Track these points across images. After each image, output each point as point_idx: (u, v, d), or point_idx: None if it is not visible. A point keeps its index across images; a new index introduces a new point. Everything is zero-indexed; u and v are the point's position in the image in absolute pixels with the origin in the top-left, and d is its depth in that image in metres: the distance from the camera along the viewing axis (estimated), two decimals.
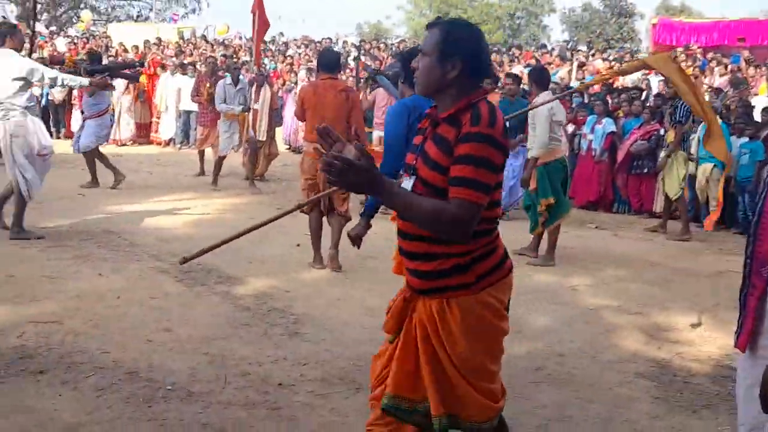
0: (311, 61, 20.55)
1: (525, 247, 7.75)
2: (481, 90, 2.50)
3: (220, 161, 11.72)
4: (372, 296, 6.04)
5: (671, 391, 4.39)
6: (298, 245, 7.68)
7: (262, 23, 13.78)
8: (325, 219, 6.98)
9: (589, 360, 4.86)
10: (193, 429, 3.56)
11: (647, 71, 16.53)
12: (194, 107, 14.43)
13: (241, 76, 11.72)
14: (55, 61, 11.20)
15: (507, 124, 2.49)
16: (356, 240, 4.03)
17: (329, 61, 6.91)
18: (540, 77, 7.65)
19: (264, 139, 12.55)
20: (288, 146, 17.41)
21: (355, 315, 5.55)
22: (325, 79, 6.76)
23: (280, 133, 17.15)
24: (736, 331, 2.35)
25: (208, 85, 12.93)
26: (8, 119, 7.04)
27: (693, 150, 9.93)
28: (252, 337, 4.92)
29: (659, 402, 4.23)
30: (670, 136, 9.31)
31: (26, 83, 7.12)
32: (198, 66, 17.09)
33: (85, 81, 8.38)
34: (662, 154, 9.53)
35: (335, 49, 22.65)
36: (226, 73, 12.00)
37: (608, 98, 12.20)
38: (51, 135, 17.23)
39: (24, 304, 5.28)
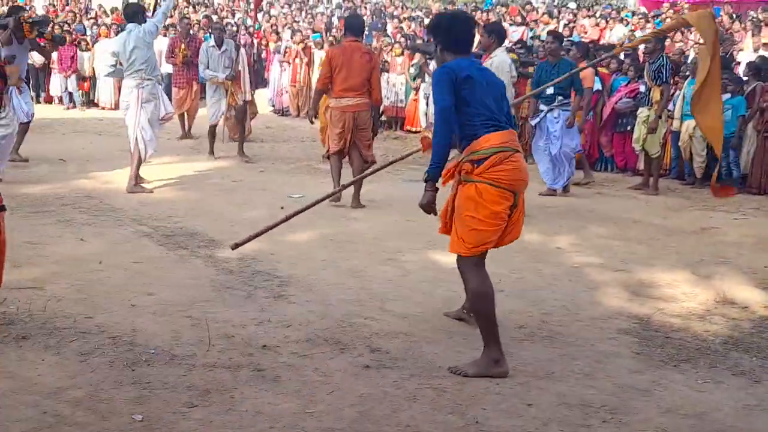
0: (296, 22, 20.30)
1: None
2: None
3: (212, 130, 11.09)
4: (356, 258, 6.04)
5: (653, 347, 4.43)
6: (282, 208, 7.64)
7: None
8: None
9: (572, 317, 4.88)
10: (178, 391, 3.55)
11: (633, 27, 16.49)
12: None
13: (227, 39, 11.40)
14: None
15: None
16: (430, 207, 4.03)
17: (355, 26, 7.96)
18: (501, 32, 7.70)
19: (249, 99, 12.45)
20: (272, 107, 17.26)
21: (341, 277, 5.54)
22: (351, 42, 7.72)
23: (264, 95, 17.02)
24: None
25: (183, 46, 12.78)
26: (143, 87, 7.96)
27: (677, 107, 9.93)
28: (236, 300, 4.91)
29: (641, 357, 4.27)
30: (656, 95, 9.27)
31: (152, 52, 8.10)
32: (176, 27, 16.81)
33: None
34: (645, 112, 9.49)
35: (321, 7, 22.43)
36: (206, 35, 11.61)
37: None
38: (30, 99, 17.11)
39: (6, 271, 5.21)
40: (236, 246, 4.75)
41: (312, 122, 8.70)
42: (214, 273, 5.49)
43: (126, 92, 8.10)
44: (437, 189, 4.02)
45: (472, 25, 4.42)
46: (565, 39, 10.91)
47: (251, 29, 17.15)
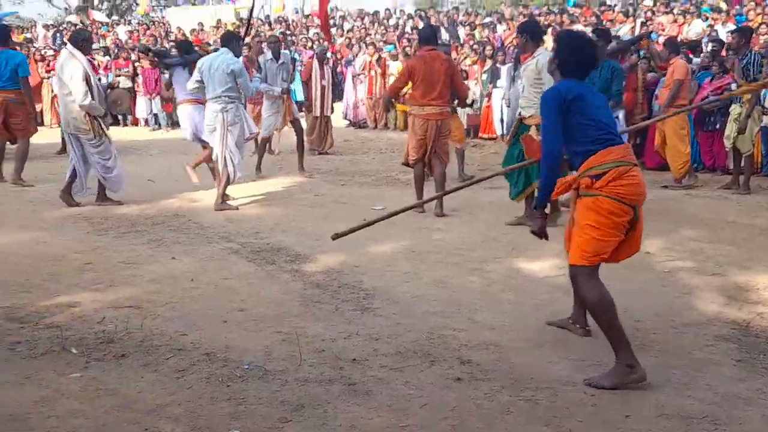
0: (369, 35, 20.46)
1: (521, 216, 7.48)
2: None
3: (263, 143, 11.22)
4: (441, 269, 6.02)
5: (754, 353, 4.27)
6: (365, 219, 7.68)
7: None
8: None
9: (667, 325, 4.75)
10: (272, 407, 3.61)
11: (712, 22, 15.98)
12: None
13: (283, 51, 11.48)
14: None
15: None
16: (542, 233, 4.14)
17: (430, 35, 8.24)
18: (534, 30, 7.30)
19: (330, 113, 12.64)
20: (348, 121, 17.43)
21: (426, 288, 5.54)
22: (429, 51, 7.90)
23: (337, 108, 17.20)
24: None
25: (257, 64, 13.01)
26: (227, 111, 8.15)
27: None
28: (323, 314, 4.96)
29: (742, 365, 4.12)
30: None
31: (234, 80, 8.16)
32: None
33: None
34: (737, 109, 9.18)
35: (394, 18, 22.54)
36: (266, 49, 11.60)
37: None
38: (117, 123, 17.80)
39: (103, 291, 5.43)
40: (337, 236, 4.82)
41: (389, 110, 8.97)
42: (302, 287, 5.56)
43: (211, 116, 8.29)
44: (546, 215, 4.13)
45: (590, 49, 4.31)
46: (612, 36, 10.19)
47: (326, 45, 17.38)
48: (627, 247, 4.10)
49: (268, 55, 11.10)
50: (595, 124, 3.99)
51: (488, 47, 15.10)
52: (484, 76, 14.40)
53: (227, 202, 8.48)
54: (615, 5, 20.92)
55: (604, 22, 17.41)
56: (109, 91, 8.34)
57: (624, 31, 16.38)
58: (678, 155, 9.64)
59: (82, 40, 8.37)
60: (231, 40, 8.50)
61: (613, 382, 3.82)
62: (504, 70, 13.76)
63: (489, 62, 14.43)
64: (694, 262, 6.13)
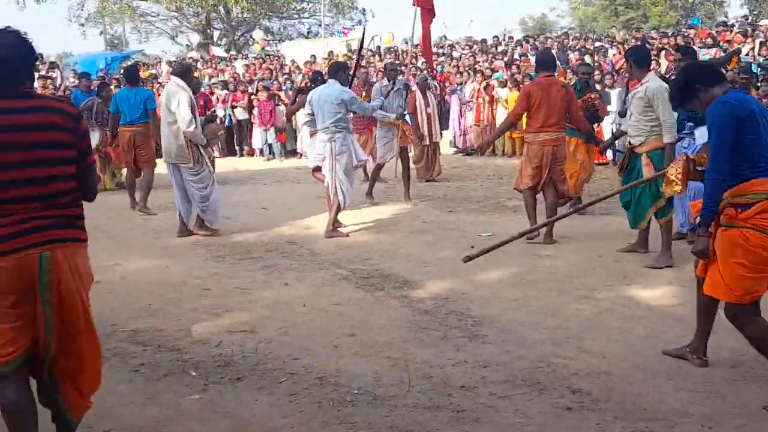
0: (477, 63, 20.53)
1: (633, 243, 7.26)
2: None
3: (377, 169, 11.36)
4: (550, 296, 5.96)
5: None
6: (472, 247, 7.70)
7: (426, 13, 13.11)
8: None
9: None
10: None
11: None
12: None
13: (398, 78, 11.62)
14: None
15: None
16: (704, 254, 4.02)
17: (547, 62, 8.29)
18: (639, 56, 6.91)
19: (439, 140, 12.76)
20: (456, 148, 17.49)
21: (535, 316, 5.49)
22: (547, 77, 7.91)
23: (445, 135, 17.28)
24: None
25: (363, 93, 13.27)
26: (334, 141, 8.33)
27: None
28: (432, 341, 5.00)
29: None
30: None
31: (345, 109, 8.39)
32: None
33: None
34: None
35: (502, 45, 22.51)
36: (382, 76, 11.76)
37: None
38: (235, 153, 18.44)
39: (220, 316, 5.66)
40: (468, 259, 4.90)
41: (481, 154, 8.74)
42: (410, 313, 5.62)
43: (320, 146, 8.49)
44: (711, 234, 3.93)
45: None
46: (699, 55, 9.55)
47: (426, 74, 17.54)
48: None
49: (384, 82, 11.28)
50: (756, 148, 3.80)
51: (596, 72, 14.85)
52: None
53: (338, 229, 8.65)
54: (733, 25, 20.21)
55: (721, 44, 16.85)
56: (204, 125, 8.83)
57: (744, 50, 15.75)
58: None
59: (185, 71, 8.83)
60: (338, 71, 8.69)
61: None
62: (614, 94, 13.49)
63: (598, 86, 14.18)
64: None
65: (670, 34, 20.60)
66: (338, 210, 8.59)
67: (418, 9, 12.90)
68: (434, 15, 13.52)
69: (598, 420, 3.74)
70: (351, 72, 9.98)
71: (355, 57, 12.71)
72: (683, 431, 3.60)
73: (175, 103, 8.33)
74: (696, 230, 4.18)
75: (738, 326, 4.00)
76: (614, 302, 5.73)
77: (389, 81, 11.17)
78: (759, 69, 13.45)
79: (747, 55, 15.22)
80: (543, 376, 4.32)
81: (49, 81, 16.10)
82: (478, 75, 17.29)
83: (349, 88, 8.94)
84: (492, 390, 4.15)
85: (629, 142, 7.04)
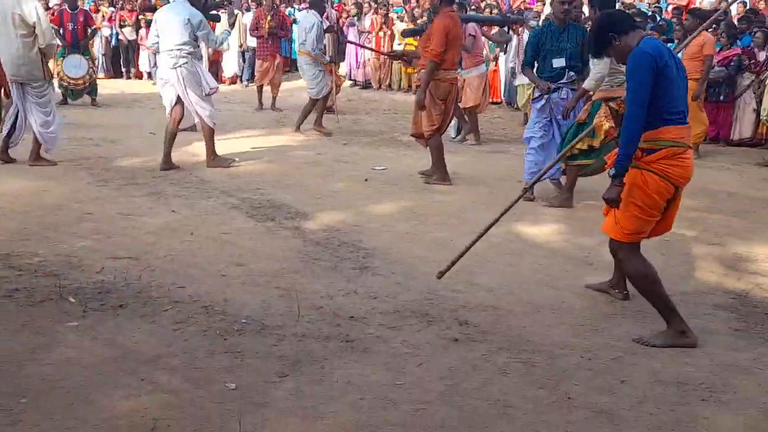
0: None
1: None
2: None
3: (312, 104, 10.85)
4: (440, 230, 6.00)
5: (752, 323, 4.27)
6: (366, 180, 7.67)
7: None
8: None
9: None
10: (269, 361, 3.61)
11: None
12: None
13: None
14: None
15: None
16: (615, 201, 3.99)
17: None
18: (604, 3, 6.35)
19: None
20: (353, 81, 17.30)
21: (425, 249, 5.52)
22: (451, 11, 7.35)
23: (343, 67, 17.05)
24: None
25: (268, 18, 12.89)
26: (179, 67, 7.70)
27: None
28: (322, 271, 4.96)
29: (739, 334, 4.12)
30: None
31: (193, 33, 7.72)
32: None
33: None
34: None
35: None
36: (289, 9, 11.40)
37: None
38: (121, 75, 17.65)
39: (102, 241, 5.42)
40: (441, 275, 4.64)
41: (424, 108, 7.60)
42: (301, 244, 5.54)
43: (163, 70, 7.97)
44: (624, 184, 3.93)
45: None
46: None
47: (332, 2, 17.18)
48: (660, 225, 4.08)
49: (311, 15, 10.65)
50: (668, 98, 3.82)
51: (495, 10, 14.92)
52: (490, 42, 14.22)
53: (221, 156, 8.34)
54: None
55: None
56: None
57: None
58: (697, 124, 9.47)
59: None
60: None
61: (663, 342, 3.90)
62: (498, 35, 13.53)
63: (496, 27, 14.23)
64: (694, 231, 6.11)
65: None
66: (212, 135, 8.17)
67: None
68: None
69: (483, 351, 3.80)
70: None
71: None
72: (563, 362, 3.70)
73: (30, 11, 7.35)
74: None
75: (619, 262, 4.16)
76: (503, 238, 5.82)
77: (321, 15, 10.74)
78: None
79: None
80: (431, 309, 4.35)
81: None
82: (381, 7, 17.04)
83: (232, 13, 8.48)
84: (381, 321, 4.15)
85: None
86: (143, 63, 17.53)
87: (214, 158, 8.20)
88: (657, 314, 4.09)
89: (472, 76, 10.03)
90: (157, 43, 7.89)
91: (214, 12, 11.29)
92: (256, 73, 13.72)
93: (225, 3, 12.44)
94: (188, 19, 7.65)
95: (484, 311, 4.36)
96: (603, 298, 4.62)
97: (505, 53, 13.85)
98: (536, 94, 7.02)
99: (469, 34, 9.70)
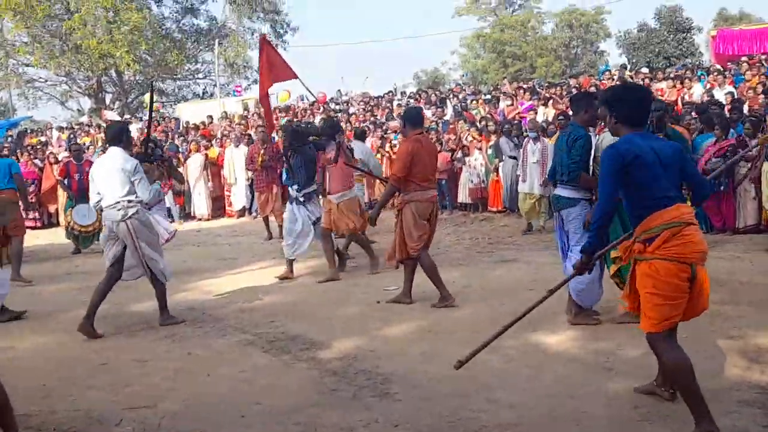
0: (374, 117, 20.80)
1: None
2: None
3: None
4: (457, 348, 5.92)
5: None
6: (378, 302, 7.70)
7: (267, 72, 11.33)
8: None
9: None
10: None
11: (710, 85, 16.19)
12: None
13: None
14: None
15: None
16: (581, 272, 4.33)
17: (417, 118, 7.75)
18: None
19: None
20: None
21: (443, 368, 5.46)
22: (421, 134, 7.66)
23: None
24: None
25: (262, 152, 13.39)
26: (129, 218, 7.01)
27: None
28: (341, 402, 4.92)
29: None
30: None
31: (131, 181, 7.02)
32: (253, 135, 17.36)
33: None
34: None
35: (396, 99, 22.92)
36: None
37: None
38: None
39: (119, 392, 5.40)
40: (460, 365, 4.60)
41: (375, 225, 8.16)
42: (318, 375, 5.52)
43: (110, 225, 7.16)
44: (590, 259, 4.25)
45: (648, 98, 4.46)
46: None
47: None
48: (693, 306, 4.10)
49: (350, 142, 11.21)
50: (650, 187, 4.01)
51: (491, 123, 15.32)
52: (489, 151, 14.54)
53: (172, 314, 7.49)
54: (613, 73, 21.26)
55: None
56: None
57: None
58: None
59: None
60: (120, 134, 7.27)
61: None
62: (505, 143, 13.85)
63: (493, 137, 14.60)
64: (713, 326, 6.05)
65: (557, 84, 21.46)
66: (163, 292, 7.39)
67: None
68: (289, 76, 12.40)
69: None
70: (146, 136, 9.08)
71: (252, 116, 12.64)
72: None
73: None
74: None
75: (657, 353, 4.15)
76: (521, 350, 5.79)
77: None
78: None
79: None
80: (454, 431, 4.30)
81: None
82: (378, 130, 17.50)
83: (147, 155, 8.18)
84: None
85: None
86: None
87: (165, 317, 7.38)
88: (684, 419, 4.02)
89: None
90: (100, 200, 7.17)
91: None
92: (258, 205, 14.13)
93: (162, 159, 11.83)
94: (122, 168, 7.00)
95: (506, 429, 4.29)
96: (627, 404, 4.55)
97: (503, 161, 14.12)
98: None
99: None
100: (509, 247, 11.17)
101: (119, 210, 6.99)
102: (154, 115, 28.66)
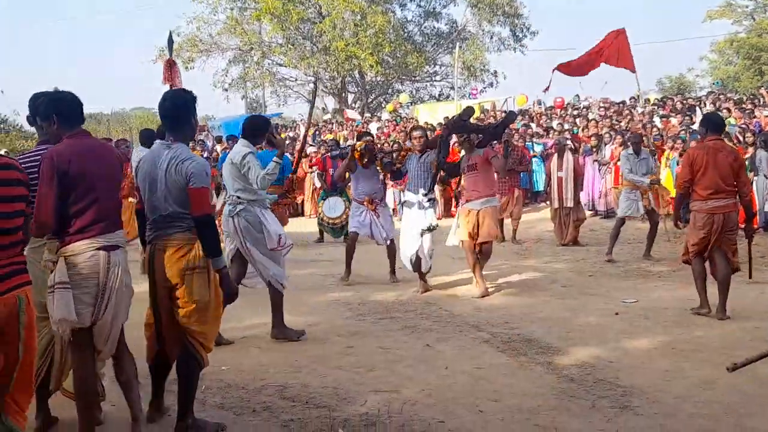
0: (616, 123, 20.16)
1: None
2: None
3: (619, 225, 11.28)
4: (704, 368, 5.67)
5: None
6: (617, 314, 7.49)
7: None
8: None
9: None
10: None
11: None
12: None
13: (643, 147, 11.54)
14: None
15: None
16: None
17: (717, 124, 7.49)
18: None
19: (571, 205, 12.60)
20: (592, 211, 17.11)
21: (688, 388, 5.24)
22: (714, 140, 7.28)
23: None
24: None
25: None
26: (237, 215, 6.55)
27: None
28: (580, 410, 4.86)
29: None
30: None
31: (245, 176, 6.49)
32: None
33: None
34: None
35: (639, 107, 22.07)
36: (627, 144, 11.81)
37: None
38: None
39: (364, 374, 5.72)
40: (734, 368, 4.53)
41: (679, 227, 8.28)
42: (555, 380, 5.49)
43: (224, 221, 6.71)
44: None
45: None
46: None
47: (562, 138, 17.31)
48: None
49: (630, 150, 11.21)
50: None
51: (748, 134, 14.31)
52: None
53: (290, 328, 6.88)
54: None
55: None
56: None
57: None
58: None
59: None
60: (256, 129, 6.72)
61: None
62: (765, 158, 12.87)
63: (750, 149, 13.62)
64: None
65: None
66: (280, 303, 6.79)
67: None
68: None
69: None
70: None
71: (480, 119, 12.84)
72: None
73: None
74: None
75: None
76: None
77: (635, 151, 11.18)
78: None
79: None
80: None
81: (198, 143, 17.07)
82: (618, 137, 16.94)
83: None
84: None
85: None
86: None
87: (280, 329, 6.82)
88: None
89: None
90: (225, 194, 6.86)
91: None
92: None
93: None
94: (231, 160, 6.61)
95: None
96: None
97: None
98: None
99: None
100: (760, 267, 10.37)
101: (229, 205, 6.62)
102: (392, 115, 29.79)
